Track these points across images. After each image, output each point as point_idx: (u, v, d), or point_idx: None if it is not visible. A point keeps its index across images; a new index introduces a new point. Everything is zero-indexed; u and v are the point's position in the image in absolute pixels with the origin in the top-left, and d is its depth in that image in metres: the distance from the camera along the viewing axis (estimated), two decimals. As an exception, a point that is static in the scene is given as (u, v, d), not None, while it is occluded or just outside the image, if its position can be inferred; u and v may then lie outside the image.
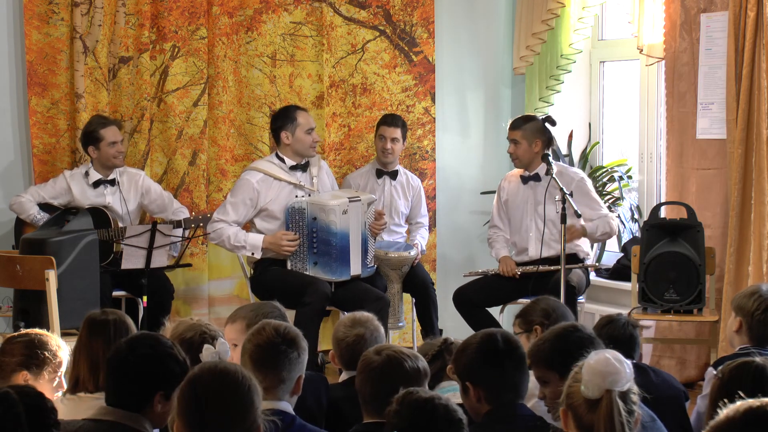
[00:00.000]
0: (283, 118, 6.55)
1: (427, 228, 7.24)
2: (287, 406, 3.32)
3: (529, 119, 6.61)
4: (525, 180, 6.62)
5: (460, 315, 6.68)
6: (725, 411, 2.25)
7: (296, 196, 6.48)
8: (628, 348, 4.03)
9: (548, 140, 6.53)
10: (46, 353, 3.68)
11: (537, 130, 6.50)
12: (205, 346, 3.42)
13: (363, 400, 3.33)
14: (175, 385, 3.00)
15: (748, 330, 4.36)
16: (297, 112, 6.55)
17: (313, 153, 6.59)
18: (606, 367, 2.66)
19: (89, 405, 3.38)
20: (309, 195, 6.50)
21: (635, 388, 2.73)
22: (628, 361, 2.72)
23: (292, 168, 6.53)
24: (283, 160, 6.54)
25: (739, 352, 4.26)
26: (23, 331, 3.85)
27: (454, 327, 6.84)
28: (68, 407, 3.51)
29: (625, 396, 2.68)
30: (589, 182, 6.64)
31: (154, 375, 3.04)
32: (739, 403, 2.24)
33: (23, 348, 3.71)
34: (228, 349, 3.47)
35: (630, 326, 4.14)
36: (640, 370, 3.95)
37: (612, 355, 2.69)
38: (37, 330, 3.81)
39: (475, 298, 6.56)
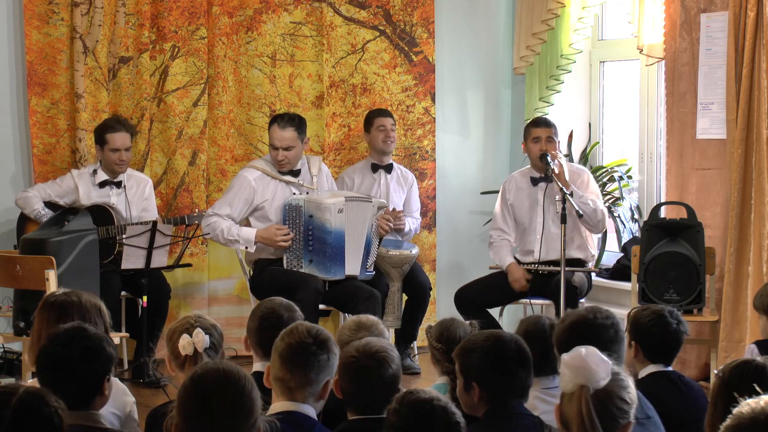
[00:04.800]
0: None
1: (418, 220, 7.19)
2: (310, 410, 3.31)
3: (550, 120, 6.70)
4: (536, 181, 6.60)
5: (460, 315, 6.68)
6: (745, 409, 2.19)
7: (293, 193, 6.49)
8: (671, 352, 3.90)
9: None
10: None
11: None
12: (183, 335, 3.46)
13: (346, 398, 3.33)
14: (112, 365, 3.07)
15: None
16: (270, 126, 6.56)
17: (280, 168, 6.52)
18: (578, 362, 2.65)
19: None
20: (307, 193, 6.50)
21: (628, 396, 2.71)
22: (607, 359, 2.70)
23: (281, 171, 6.53)
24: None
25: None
26: None
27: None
28: None
29: (607, 395, 2.66)
30: (592, 177, 6.67)
31: (100, 364, 3.07)
32: (764, 402, 2.20)
33: None
34: (204, 339, 3.50)
35: (682, 328, 3.90)
36: (669, 379, 3.89)
37: (587, 351, 2.68)
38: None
39: (476, 300, 6.55)
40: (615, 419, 2.67)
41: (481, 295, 6.58)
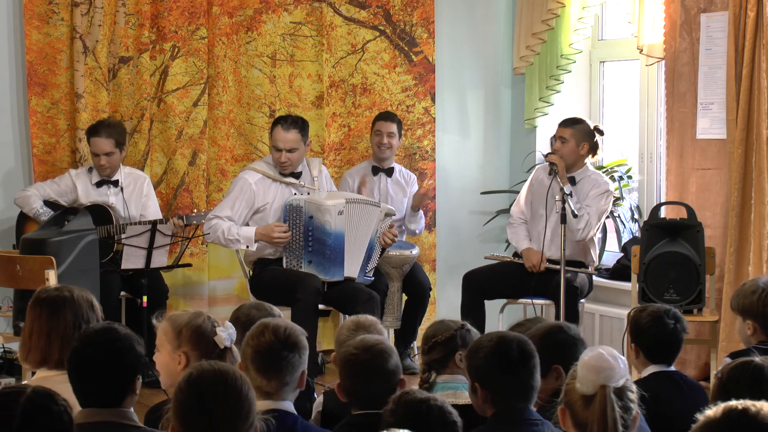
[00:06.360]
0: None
1: (422, 221, 7.18)
2: (290, 405, 3.31)
3: (580, 121, 6.54)
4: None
5: (455, 297, 6.65)
6: (714, 411, 2.24)
7: (294, 194, 6.48)
8: (671, 351, 3.90)
9: (594, 146, 6.52)
10: None
11: (586, 133, 6.47)
12: (218, 329, 3.43)
13: (348, 396, 3.33)
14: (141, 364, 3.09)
15: (763, 330, 4.26)
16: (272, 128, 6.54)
17: (282, 170, 6.50)
18: (600, 362, 2.66)
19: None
20: (308, 193, 6.49)
21: (633, 387, 2.73)
22: (623, 357, 2.71)
23: (282, 174, 6.51)
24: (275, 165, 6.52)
25: (760, 347, 4.09)
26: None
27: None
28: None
29: (621, 392, 2.67)
30: (609, 197, 6.50)
31: (131, 363, 3.08)
32: (734, 404, 2.24)
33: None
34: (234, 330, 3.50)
35: (680, 327, 3.92)
36: (671, 380, 3.88)
37: (606, 351, 2.69)
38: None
39: (486, 285, 6.51)
40: (629, 412, 2.69)
41: (490, 283, 6.52)
